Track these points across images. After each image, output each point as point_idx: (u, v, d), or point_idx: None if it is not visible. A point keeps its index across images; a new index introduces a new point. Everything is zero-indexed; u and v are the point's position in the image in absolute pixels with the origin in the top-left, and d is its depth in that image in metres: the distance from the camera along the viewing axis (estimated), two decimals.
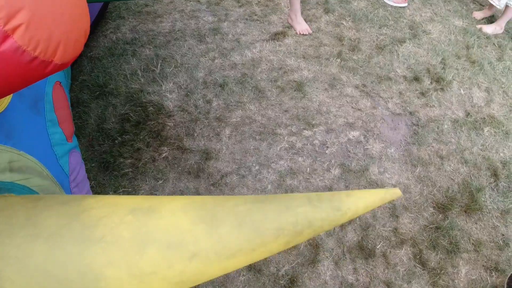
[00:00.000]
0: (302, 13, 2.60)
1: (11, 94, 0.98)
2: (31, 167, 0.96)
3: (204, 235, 0.53)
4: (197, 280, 0.54)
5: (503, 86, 2.47)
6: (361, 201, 0.55)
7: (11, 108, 0.97)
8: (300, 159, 1.93)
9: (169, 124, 2.04)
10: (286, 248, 0.57)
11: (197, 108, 2.11)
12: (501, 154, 2.09)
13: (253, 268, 1.62)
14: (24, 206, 0.59)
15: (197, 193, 1.82)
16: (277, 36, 2.51)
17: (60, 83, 1.29)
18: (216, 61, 2.36)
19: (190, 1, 2.78)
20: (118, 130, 2.00)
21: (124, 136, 1.97)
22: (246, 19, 2.66)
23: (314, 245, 1.68)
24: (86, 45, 2.39)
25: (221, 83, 2.22)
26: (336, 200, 0.55)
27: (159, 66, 2.30)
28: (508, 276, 1.64)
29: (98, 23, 2.53)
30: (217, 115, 2.08)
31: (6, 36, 0.57)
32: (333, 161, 1.93)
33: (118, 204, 0.58)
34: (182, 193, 1.83)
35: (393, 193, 0.57)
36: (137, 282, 0.51)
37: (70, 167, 1.24)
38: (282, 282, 1.59)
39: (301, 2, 2.54)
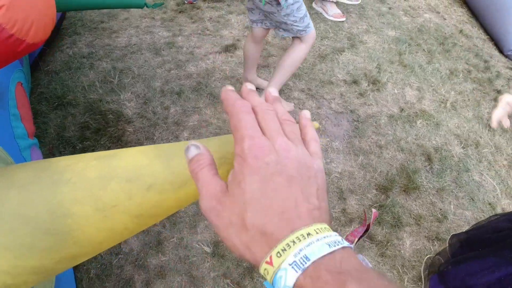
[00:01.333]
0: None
1: None
2: None
3: (159, 168, 0.57)
4: (155, 213, 0.58)
5: (432, 85, 2.79)
6: None
7: None
8: None
9: (129, 129, 2.13)
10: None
11: (156, 114, 2.22)
12: (433, 142, 2.35)
13: (217, 254, 1.72)
14: None
15: None
16: (228, 49, 2.70)
17: (22, 84, 1.38)
18: (172, 71, 2.50)
19: (145, 18, 2.93)
20: (79, 137, 2.06)
21: (84, 143, 2.04)
22: (199, 33, 2.84)
23: None
24: (42, 59, 2.46)
25: (178, 91, 2.35)
26: None
27: (116, 78, 2.40)
28: (450, 236, 1.82)
29: (53, 38, 2.60)
30: (175, 120, 2.20)
31: None
32: None
33: (84, 155, 0.62)
34: None
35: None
36: (101, 216, 0.55)
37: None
38: (245, 264, 1.70)
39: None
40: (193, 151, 0.38)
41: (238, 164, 0.35)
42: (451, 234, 1.77)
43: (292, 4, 1.79)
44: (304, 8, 1.87)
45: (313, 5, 3.33)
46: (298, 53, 2.01)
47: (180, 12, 3.10)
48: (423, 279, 1.75)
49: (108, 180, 0.57)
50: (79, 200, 0.56)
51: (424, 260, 1.81)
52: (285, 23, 1.88)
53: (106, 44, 2.68)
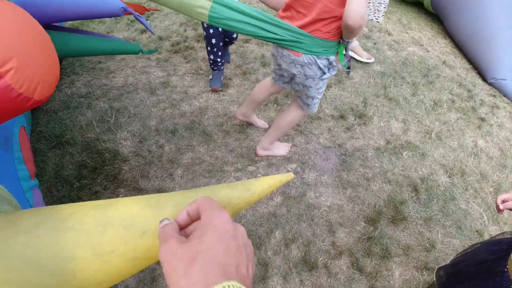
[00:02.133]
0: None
1: None
2: (1, 195, 1.10)
3: (151, 216, 0.65)
4: (149, 256, 0.65)
5: (417, 116, 2.90)
6: (266, 183, 0.73)
7: None
8: None
9: (125, 168, 2.21)
10: None
11: (151, 152, 2.31)
12: (420, 172, 2.44)
13: None
14: (3, 216, 0.71)
15: None
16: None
17: (24, 127, 1.47)
18: (166, 110, 2.60)
19: (141, 58, 3.07)
20: (76, 175, 2.13)
21: (82, 181, 2.11)
22: (193, 73, 2.97)
23: (264, 264, 1.86)
24: None
25: (172, 129, 2.45)
26: (247, 184, 0.72)
27: (113, 117, 2.50)
28: (436, 268, 1.86)
29: None
30: (170, 158, 2.28)
31: (0, 77, 0.78)
32: (275, 191, 2.18)
33: (84, 204, 0.71)
34: None
35: (288, 176, 0.78)
36: (101, 261, 0.62)
37: (34, 202, 1.38)
38: None
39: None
40: (164, 222, 0.53)
41: (204, 224, 0.46)
42: (437, 267, 1.82)
43: (323, 80, 1.82)
44: (323, 91, 1.94)
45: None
46: (295, 117, 2.08)
47: (174, 52, 3.25)
48: None
49: (106, 228, 0.65)
50: (80, 245, 0.63)
51: None
52: (306, 89, 1.86)
53: (103, 84, 2.80)
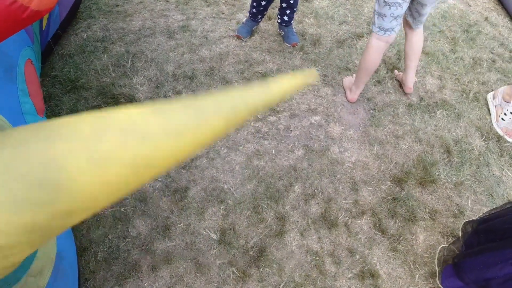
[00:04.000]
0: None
1: None
2: (2, 126, 1.02)
3: (153, 117, 0.58)
4: (151, 164, 0.58)
5: (455, 74, 2.67)
6: (285, 82, 0.66)
7: None
8: (266, 142, 2.04)
9: None
10: (227, 128, 0.63)
11: (167, 98, 2.20)
12: (453, 133, 2.26)
13: (223, 242, 1.70)
14: None
15: (168, 175, 1.89)
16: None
17: (32, 61, 1.37)
18: (185, 56, 2.46)
19: (160, 1, 2.89)
20: None
21: None
22: (214, 17, 2.78)
23: (280, 218, 1.78)
24: (57, 43, 2.45)
25: (190, 75, 2.32)
26: (265, 83, 0.65)
27: (129, 61, 2.38)
28: (463, 223, 1.74)
29: (69, 22, 2.59)
30: None
31: None
32: (296, 143, 2.05)
33: (82, 114, 0.62)
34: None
35: (311, 74, 0.69)
36: (96, 167, 0.55)
37: None
38: (251, 253, 1.68)
39: None
40: None
41: None
42: (464, 221, 1.70)
43: None
44: None
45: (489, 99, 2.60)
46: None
47: None
48: (437, 272, 1.69)
49: (103, 132, 0.57)
50: (74, 153, 0.55)
51: (438, 250, 1.74)
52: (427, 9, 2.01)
53: (120, 28, 2.66)
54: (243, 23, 2.67)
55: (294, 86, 0.68)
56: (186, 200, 1.82)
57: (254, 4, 2.48)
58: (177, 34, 2.62)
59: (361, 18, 2.93)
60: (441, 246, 1.74)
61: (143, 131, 0.57)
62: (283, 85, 0.66)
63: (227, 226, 1.75)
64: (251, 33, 2.65)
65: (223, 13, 2.83)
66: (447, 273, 1.55)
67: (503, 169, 2.17)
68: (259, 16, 2.58)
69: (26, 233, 0.56)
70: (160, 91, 2.24)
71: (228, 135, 2.05)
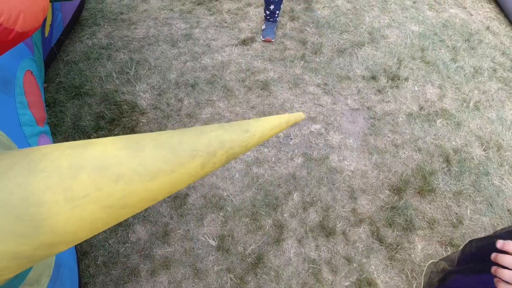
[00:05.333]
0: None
1: None
2: (0, 141, 1.05)
3: (127, 158, 0.58)
4: (125, 204, 0.58)
5: (455, 83, 2.68)
6: (267, 124, 0.62)
7: None
8: (265, 150, 2.06)
9: (143, 120, 2.15)
10: (204, 172, 0.62)
11: (169, 106, 2.23)
12: (453, 143, 2.27)
13: (221, 248, 1.72)
14: None
15: None
16: (245, 41, 2.68)
17: (32, 72, 1.40)
18: (187, 64, 2.50)
19: (164, 10, 2.94)
20: (93, 126, 2.09)
21: (99, 132, 2.07)
22: (217, 26, 2.82)
23: (279, 226, 1.79)
24: (62, 49, 2.50)
25: (192, 83, 2.35)
26: (245, 124, 0.62)
27: (133, 69, 2.42)
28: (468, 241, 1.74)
29: (72, 28, 2.64)
30: (188, 112, 2.20)
31: None
32: (296, 151, 2.07)
33: (62, 144, 0.64)
34: None
35: (297, 116, 0.66)
36: (72, 206, 0.56)
37: None
38: (249, 260, 1.69)
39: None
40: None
41: None
42: (471, 239, 1.70)
43: None
44: None
45: None
46: None
47: (198, 4, 3.09)
48: (422, 284, 1.70)
49: (79, 170, 0.57)
50: (51, 188, 0.56)
51: (427, 264, 1.75)
52: None
53: (124, 35, 2.70)
54: (263, 28, 2.77)
55: (277, 127, 0.65)
56: (185, 207, 1.84)
57: (266, 10, 2.64)
58: (180, 42, 2.66)
59: (362, 28, 2.96)
60: (431, 261, 1.75)
61: (117, 171, 0.57)
62: (265, 126, 0.63)
63: (225, 232, 1.77)
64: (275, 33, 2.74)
65: (225, 22, 2.87)
66: None
67: (503, 179, 2.18)
68: (276, 13, 2.68)
69: (13, 259, 0.57)
70: (162, 98, 2.27)
71: None
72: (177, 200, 1.86)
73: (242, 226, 1.79)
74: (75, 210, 0.56)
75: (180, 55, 2.56)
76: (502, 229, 1.63)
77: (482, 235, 1.91)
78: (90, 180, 0.56)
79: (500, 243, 0.86)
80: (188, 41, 2.67)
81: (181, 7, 3.02)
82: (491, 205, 2.03)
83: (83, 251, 1.69)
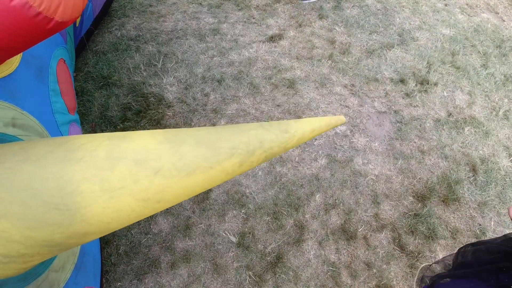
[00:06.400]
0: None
1: (19, 59, 1.10)
2: (32, 127, 1.07)
3: (167, 152, 0.58)
4: (162, 199, 0.59)
5: (485, 90, 2.61)
6: (307, 125, 0.62)
7: (18, 72, 1.10)
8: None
9: (169, 113, 2.17)
10: (241, 170, 0.61)
11: (195, 100, 2.24)
12: (480, 152, 2.22)
13: (242, 245, 1.72)
14: (21, 143, 0.67)
15: None
16: (273, 38, 2.66)
17: (65, 61, 1.42)
18: (214, 58, 2.50)
19: (192, 3, 2.95)
20: (120, 117, 2.12)
21: (125, 123, 2.10)
22: (245, 21, 2.81)
23: (300, 226, 1.79)
24: (92, 40, 2.54)
25: (219, 78, 2.36)
26: (285, 124, 0.62)
27: (160, 62, 2.43)
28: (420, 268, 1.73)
29: (102, 19, 2.68)
30: (214, 107, 2.21)
31: None
32: (320, 152, 2.06)
33: (99, 134, 0.65)
34: None
35: (338, 119, 0.65)
36: (108, 197, 0.57)
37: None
38: (268, 258, 1.70)
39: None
40: None
41: None
42: (466, 243, 1.68)
43: None
44: None
45: None
46: None
47: None
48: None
49: (117, 161, 0.59)
50: (88, 178, 0.57)
51: (420, 268, 1.72)
52: None
53: (153, 28, 2.72)
54: None
55: (317, 129, 0.64)
56: (208, 202, 1.86)
57: None
58: (208, 36, 2.66)
59: (392, 29, 2.91)
60: (424, 264, 1.72)
61: (155, 165, 0.57)
62: (306, 128, 0.63)
63: (246, 230, 1.78)
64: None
65: (254, 18, 2.86)
66: None
67: None
68: None
69: (45, 246, 0.59)
70: (188, 92, 2.28)
71: None
72: (200, 194, 1.87)
73: (263, 224, 1.79)
74: (111, 201, 0.57)
75: (208, 49, 2.57)
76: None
77: None
78: (128, 172, 0.57)
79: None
80: (215, 36, 2.67)
81: (210, 1, 3.03)
82: None
83: (106, 240, 1.72)
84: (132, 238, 1.75)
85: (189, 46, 2.58)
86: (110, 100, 2.21)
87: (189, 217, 1.81)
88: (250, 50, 2.58)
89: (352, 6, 3.10)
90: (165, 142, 0.60)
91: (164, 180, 0.58)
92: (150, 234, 1.76)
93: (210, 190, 1.89)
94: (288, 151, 0.61)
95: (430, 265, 1.70)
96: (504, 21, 3.53)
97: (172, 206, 1.84)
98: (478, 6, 3.60)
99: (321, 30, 2.79)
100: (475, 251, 1.42)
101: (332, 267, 1.71)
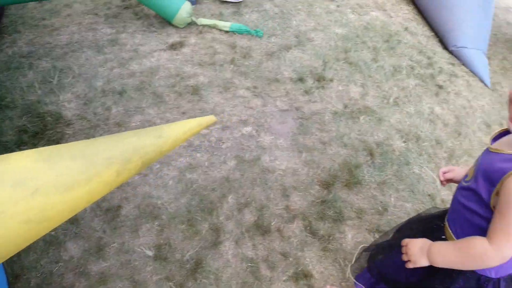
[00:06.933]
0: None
1: None
2: None
3: (44, 170, 0.58)
4: (44, 218, 0.58)
5: (376, 81, 2.88)
6: (180, 128, 0.66)
7: None
8: (198, 154, 2.08)
9: (68, 132, 2.06)
10: (120, 179, 0.62)
11: (97, 115, 2.16)
12: (376, 137, 2.44)
13: (159, 257, 1.70)
14: None
15: None
16: (174, 46, 2.67)
17: None
18: (114, 70, 2.43)
19: (88, 14, 2.84)
20: (16, 141, 1.97)
21: (22, 147, 1.95)
22: (144, 30, 2.78)
23: (215, 229, 1.82)
24: None
25: (120, 90, 2.30)
26: (159, 130, 0.65)
27: (56, 78, 2.31)
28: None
29: None
30: (117, 121, 2.15)
31: None
32: (228, 154, 2.11)
33: None
34: None
35: (208, 119, 0.69)
36: None
37: None
38: (188, 266, 1.70)
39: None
40: None
41: None
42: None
43: None
44: None
45: None
46: None
47: (125, 8, 3.02)
48: (350, 268, 1.79)
49: None
50: None
51: (358, 250, 1.86)
52: None
53: (46, 42, 2.57)
54: None
55: (190, 131, 0.67)
56: (119, 219, 1.80)
57: None
58: (106, 48, 2.58)
59: (289, 31, 3.08)
60: (361, 246, 1.87)
61: (33, 185, 0.56)
62: (178, 131, 0.66)
63: (162, 241, 1.76)
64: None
65: (153, 26, 2.83)
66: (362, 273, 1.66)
67: (422, 167, 2.38)
68: None
69: None
70: (88, 107, 2.19)
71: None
72: (109, 212, 1.81)
73: (178, 233, 1.79)
74: None
75: (106, 61, 2.49)
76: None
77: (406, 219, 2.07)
78: (7, 195, 0.55)
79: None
80: (114, 47, 2.60)
81: (107, 11, 2.94)
82: (412, 191, 2.22)
83: (15, 275, 1.60)
84: (43, 269, 1.64)
85: (86, 59, 2.48)
86: (3, 124, 2.04)
87: (101, 238, 1.74)
88: (151, 59, 2.55)
89: (251, 11, 3.22)
90: (42, 160, 0.59)
91: (43, 198, 0.57)
92: (61, 262, 1.67)
93: (120, 206, 1.84)
94: (165, 154, 0.62)
95: (368, 246, 1.81)
96: (391, 17, 3.92)
97: (81, 229, 1.75)
98: (367, 5, 3.96)
99: (222, 35, 2.86)
100: (408, 222, 1.53)
101: (250, 263, 1.76)
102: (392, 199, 2.15)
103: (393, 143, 2.45)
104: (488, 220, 0.94)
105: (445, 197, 2.25)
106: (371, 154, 2.33)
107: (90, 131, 2.08)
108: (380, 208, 2.09)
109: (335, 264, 1.83)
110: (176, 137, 0.65)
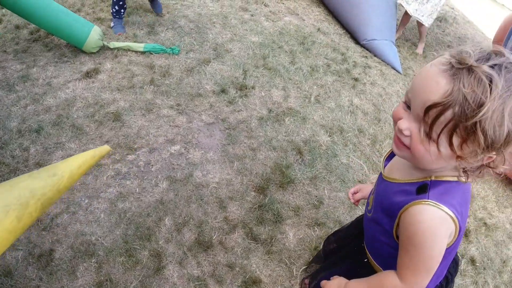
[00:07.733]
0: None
1: None
2: None
3: None
4: None
5: (296, 83, 3.01)
6: (74, 163, 0.65)
7: None
8: (128, 182, 2.03)
9: None
10: (23, 224, 0.60)
11: (15, 158, 2.04)
12: (302, 135, 2.55)
13: None
14: None
15: (29, 241, 1.75)
16: (89, 74, 2.59)
17: None
18: (28, 108, 2.31)
19: None
20: None
21: None
22: (56, 61, 2.67)
23: (156, 255, 1.79)
24: None
25: (37, 128, 2.19)
26: (53, 168, 0.64)
27: None
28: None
29: None
30: (37, 161, 2.04)
31: None
32: (159, 176, 2.09)
33: None
34: (13, 247, 1.74)
35: (102, 150, 0.70)
36: None
37: None
38: None
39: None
40: None
41: None
42: (326, 236, 1.85)
43: None
44: None
45: None
46: None
47: (34, 40, 2.88)
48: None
49: None
50: None
51: (299, 272, 1.87)
52: None
53: None
54: (112, 26, 3.12)
55: (84, 164, 0.67)
56: (53, 263, 1.71)
57: (116, 5, 2.98)
58: (17, 85, 2.44)
59: (206, 45, 3.12)
60: (302, 268, 1.89)
61: None
62: (72, 166, 0.64)
63: (102, 278, 1.69)
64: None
65: (65, 56, 2.73)
66: None
67: (349, 156, 2.53)
68: (122, 11, 3.06)
69: None
70: (5, 151, 2.06)
71: (86, 183, 1.99)
72: (43, 258, 1.71)
73: (118, 266, 1.73)
74: None
75: (19, 99, 2.35)
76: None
77: (341, 209, 2.18)
78: None
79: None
80: (26, 83, 2.47)
81: (15, 46, 2.78)
82: (343, 181, 2.34)
83: None
84: None
85: None
86: None
87: (38, 286, 1.64)
88: (67, 90, 2.46)
89: (166, 29, 3.22)
90: None
91: None
92: None
93: (53, 250, 1.74)
94: (64, 192, 0.60)
95: (307, 266, 1.85)
96: (304, 20, 4.12)
97: (16, 281, 1.64)
98: (280, 11, 4.12)
99: (138, 57, 2.83)
100: (337, 240, 1.57)
101: (198, 281, 1.75)
102: (326, 191, 2.26)
103: (319, 138, 2.57)
104: (398, 249, 0.91)
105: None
106: (300, 152, 2.43)
107: (10, 175, 1.95)
108: (315, 202, 2.18)
109: (281, 265, 1.88)
110: (71, 172, 0.64)
